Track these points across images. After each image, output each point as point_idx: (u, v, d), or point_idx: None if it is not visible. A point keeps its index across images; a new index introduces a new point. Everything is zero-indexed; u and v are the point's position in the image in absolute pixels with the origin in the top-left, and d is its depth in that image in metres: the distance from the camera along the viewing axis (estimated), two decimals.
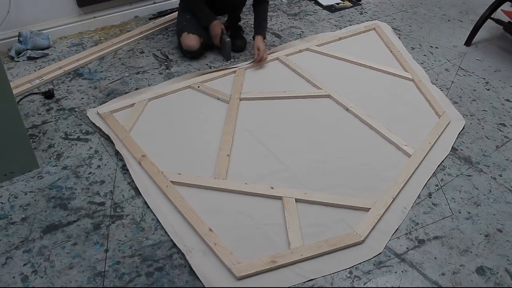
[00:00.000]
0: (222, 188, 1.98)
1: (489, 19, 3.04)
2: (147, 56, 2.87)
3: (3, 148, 1.92)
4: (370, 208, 1.91)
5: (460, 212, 1.95)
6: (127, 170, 2.05)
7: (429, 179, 2.09)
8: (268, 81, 2.66)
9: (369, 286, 1.65)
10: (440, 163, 2.17)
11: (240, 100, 2.48)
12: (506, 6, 3.12)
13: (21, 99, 2.46)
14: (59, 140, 2.23)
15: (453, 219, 1.92)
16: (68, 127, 2.30)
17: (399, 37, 3.13)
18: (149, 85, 2.59)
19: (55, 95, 2.50)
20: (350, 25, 3.28)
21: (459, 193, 2.04)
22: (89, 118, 2.34)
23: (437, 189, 2.05)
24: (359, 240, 1.78)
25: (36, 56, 2.78)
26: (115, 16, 3.18)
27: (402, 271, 1.70)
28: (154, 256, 1.72)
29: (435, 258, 1.75)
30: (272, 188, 1.98)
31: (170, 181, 1.98)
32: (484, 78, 2.80)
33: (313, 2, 3.57)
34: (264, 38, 2.78)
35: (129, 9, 3.24)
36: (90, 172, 2.06)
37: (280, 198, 1.94)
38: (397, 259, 1.74)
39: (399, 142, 2.23)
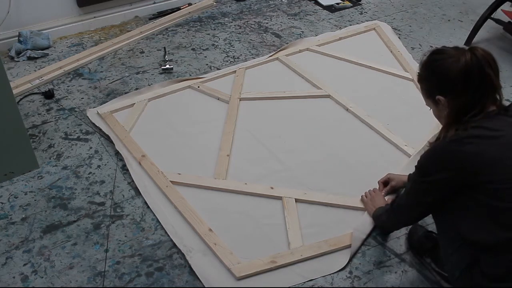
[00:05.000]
0: (222, 188, 1.98)
1: (489, 19, 3.03)
2: (147, 56, 2.87)
3: (3, 148, 1.92)
4: None
5: None
6: (127, 170, 2.05)
7: None
8: (268, 81, 2.66)
9: (369, 286, 1.64)
10: None
11: (240, 100, 2.48)
12: (506, 6, 3.11)
13: (21, 99, 2.46)
14: (59, 140, 2.23)
15: None
16: (68, 127, 2.30)
17: (399, 37, 3.13)
18: (149, 85, 2.59)
19: (55, 95, 2.50)
20: (350, 25, 3.28)
21: None
22: (89, 118, 2.34)
23: None
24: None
25: (36, 56, 2.78)
26: (115, 16, 3.18)
27: (402, 271, 1.70)
28: (154, 256, 1.72)
29: None
30: (272, 188, 1.98)
31: (170, 181, 1.98)
32: None
33: (313, 2, 3.57)
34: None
35: (129, 9, 3.24)
36: (90, 172, 2.06)
37: (280, 198, 1.94)
38: (397, 259, 1.74)
39: (399, 142, 2.23)
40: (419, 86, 1.54)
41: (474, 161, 1.32)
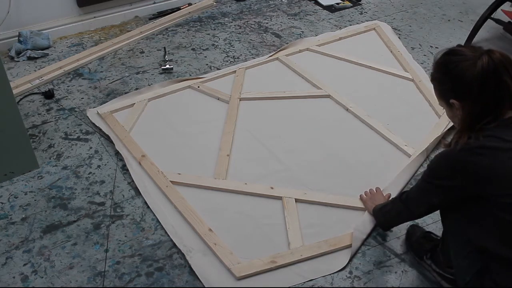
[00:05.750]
0: (222, 188, 1.98)
1: (489, 19, 3.03)
2: (147, 56, 2.87)
3: (3, 148, 1.92)
4: None
5: None
6: (127, 170, 2.05)
7: None
8: (268, 81, 2.66)
9: (369, 286, 1.64)
10: None
11: (240, 100, 2.48)
12: (506, 6, 3.11)
13: (21, 99, 2.46)
14: (59, 140, 2.23)
15: None
16: (68, 127, 2.30)
17: (399, 37, 3.13)
18: (149, 85, 2.59)
19: (55, 95, 2.50)
20: (350, 25, 3.28)
21: None
22: (89, 118, 2.34)
23: None
24: None
25: (36, 56, 2.78)
26: (115, 16, 3.18)
27: (402, 271, 1.70)
28: (154, 256, 1.72)
29: None
30: (272, 188, 1.98)
31: (170, 181, 1.98)
32: None
33: (313, 2, 3.57)
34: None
35: (129, 9, 3.24)
36: (90, 172, 2.06)
37: (280, 198, 1.94)
38: (397, 259, 1.74)
39: (399, 142, 2.23)
40: (432, 85, 1.48)
41: (484, 173, 1.29)
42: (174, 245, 1.75)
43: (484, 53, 1.31)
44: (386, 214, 1.71)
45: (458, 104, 1.36)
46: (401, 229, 1.83)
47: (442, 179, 1.39)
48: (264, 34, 3.14)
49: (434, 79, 1.44)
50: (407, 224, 1.84)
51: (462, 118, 1.37)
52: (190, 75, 2.70)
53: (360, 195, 1.94)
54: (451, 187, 1.37)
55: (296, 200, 1.93)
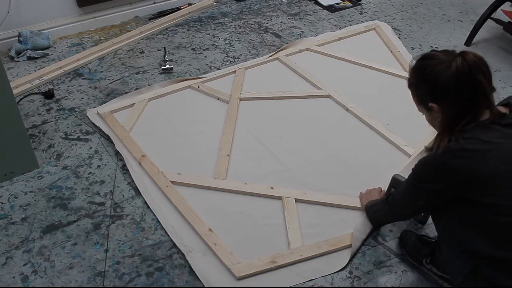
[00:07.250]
0: (222, 188, 1.98)
1: (489, 19, 3.03)
2: (147, 56, 2.87)
3: (3, 148, 1.92)
4: None
5: None
6: (127, 170, 2.05)
7: None
8: (268, 81, 2.66)
9: (369, 286, 1.64)
10: None
11: (240, 100, 2.48)
12: (506, 6, 3.11)
13: (21, 99, 2.46)
14: (59, 140, 2.23)
15: None
16: (68, 127, 2.30)
17: (399, 37, 3.13)
18: (149, 85, 2.59)
19: (55, 95, 2.50)
20: (350, 25, 3.28)
21: None
22: (89, 118, 2.34)
23: None
24: None
25: (36, 56, 2.78)
26: (115, 16, 3.18)
27: (402, 271, 1.70)
28: (154, 256, 1.72)
29: None
30: (272, 188, 1.98)
31: (170, 181, 1.98)
32: None
33: (313, 2, 3.57)
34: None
35: (129, 9, 3.23)
36: (90, 172, 2.06)
37: (280, 198, 1.94)
38: (397, 259, 1.74)
39: (399, 142, 2.23)
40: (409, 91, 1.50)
41: (466, 175, 1.31)
42: (174, 245, 1.75)
43: (458, 55, 1.34)
44: (375, 213, 1.77)
45: (437, 107, 1.38)
46: (401, 229, 1.84)
47: (426, 183, 1.42)
48: (264, 34, 3.14)
49: (411, 84, 1.46)
50: (406, 224, 1.84)
51: (441, 120, 1.40)
52: (190, 75, 2.70)
53: (360, 193, 1.95)
54: (435, 190, 1.39)
55: (296, 200, 1.93)
